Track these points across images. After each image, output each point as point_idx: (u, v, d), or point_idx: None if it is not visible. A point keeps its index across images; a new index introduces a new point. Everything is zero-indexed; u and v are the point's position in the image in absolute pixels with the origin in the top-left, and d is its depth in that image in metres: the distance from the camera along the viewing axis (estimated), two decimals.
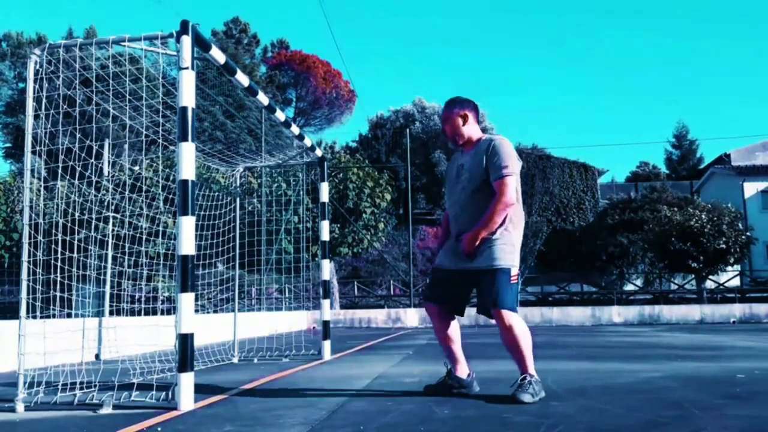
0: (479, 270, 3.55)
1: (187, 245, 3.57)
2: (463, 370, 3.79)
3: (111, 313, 7.17)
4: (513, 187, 3.52)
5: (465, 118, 3.74)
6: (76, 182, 4.55)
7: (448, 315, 3.77)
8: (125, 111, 4.22)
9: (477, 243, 3.51)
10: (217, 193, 7.09)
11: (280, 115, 5.70)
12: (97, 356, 6.79)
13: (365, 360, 6.49)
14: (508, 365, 5.78)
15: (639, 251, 23.97)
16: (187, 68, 3.69)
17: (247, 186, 15.37)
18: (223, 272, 7.55)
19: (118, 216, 6.30)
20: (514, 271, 3.58)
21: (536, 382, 3.49)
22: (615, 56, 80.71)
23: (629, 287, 25.15)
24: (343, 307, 18.97)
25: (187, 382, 3.47)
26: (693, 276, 21.12)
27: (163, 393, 3.65)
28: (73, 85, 4.14)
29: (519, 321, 3.53)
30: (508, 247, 3.57)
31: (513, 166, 3.53)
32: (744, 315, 15.89)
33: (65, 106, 4.04)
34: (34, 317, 4.11)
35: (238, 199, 7.26)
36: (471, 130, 3.75)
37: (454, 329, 3.80)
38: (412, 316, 16.06)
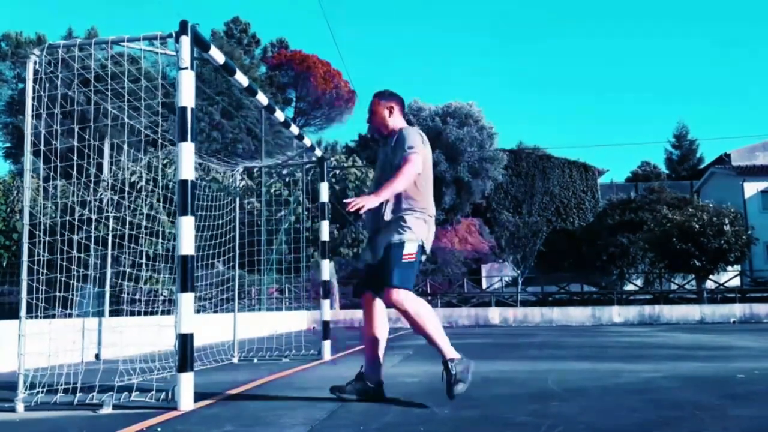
0: (381, 257, 3.48)
1: (187, 245, 3.57)
2: (374, 377, 3.60)
3: (111, 313, 7.17)
4: (419, 161, 3.46)
5: (391, 110, 3.75)
6: (74, 181, 4.54)
7: (378, 308, 3.64)
8: (124, 111, 4.21)
9: (365, 204, 3.28)
10: (217, 193, 7.09)
11: (280, 115, 5.70)
12: (97, 356, 6.78)
13: None
14: (508, 365, 5.79)
15: (639, 251, 23.97)
16: (186, 68, 3.69)
17: (245, 186, 15.36)
18: (223, 272, 7.55)
19: (113, 214, 6.30)
20: (410, 247, 3.43)
21: (458, 363, 3.32)
22: (615, 56, 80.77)
23: (629, 287, 25.13)
24: (343, 307, 18.96)
25: (187, 382, 3.46)
26: (693, 276, 21.10)
27: (163, 393, 3.65)
28: (72, 85, 4.14)
29: (412, 300, 3.39)
30: (406, 226, 3.46)
31: (418, 147, 3.50)
32: (744, 315, 15.88)
33: (66, 105, 4.04)
34: (35, 317, 4.10)
35: (237, 199, 7.26)
36: (396, 122, 3.76)
37: (381, 327, 3.66)
38: None
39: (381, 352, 3.65)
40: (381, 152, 3.83)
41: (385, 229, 3.52)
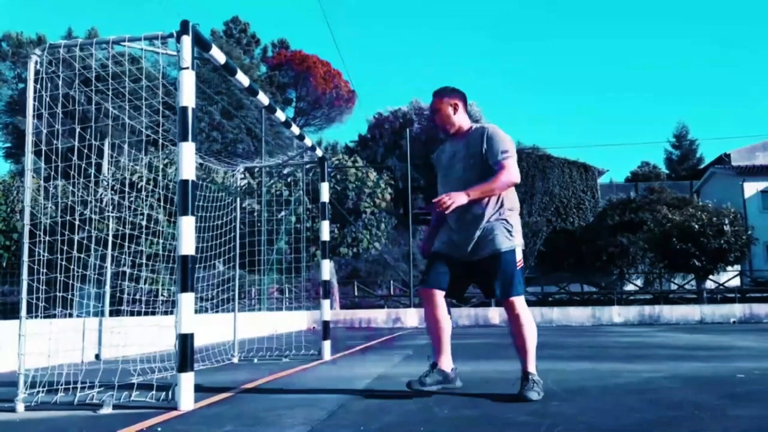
0: (483, 258, 3.54)
1: (187, 245, 3.57)
2: (447, 364, 3.68)
3: (111, 313, 7.16)
4: (516, 168, 3.58)
5: (455, 108, 3.75)
6: (75, 181, 4.55)
7: (443, 300, 3.67)
8: (125, 111, 4.22)
9: (456, 202, 3.38)
10: (216, 194, 7.09)
11: (281, 115, 5.69)
12: (97, 356, 6.78)
13: (365, 360, 6.49)
14: (508, 365, 5.78)
15: (639, 251, 23.97)
16: (187, 68, 3.69)
17: (245, 186, 15.36)
18: (223, 272, 7.55)
19: (113, 214, 6.30)
20: (519, 253, 3.56)
21: (537, 377, 3.52)
22: (615, 56, 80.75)
23: (629, 287, 25.13)
24: (343, 307, 18.94)
25: (187, 382, 3.47)
26: (693, 276, 21.10)
27: (163, 393, 3.65)
28: (73, 85, 4.14)
29: (528, 309, 3.55)
30: (513, 230, 3.58)
31: (512, 150, 3.59)
32: (744, 315, 15.88)
33: (67, 105, 4.04)
34: (36, 317, 4.10)
35: (238, 199, 7.26)
36: (461, 118, 3.77)
37: (447, 317, 3.68)
38: (412, 316, 16.05)
39: (448, 338, 3.69)
40: (448, 148, 3.81)
41: (485, 229, 3.54)
